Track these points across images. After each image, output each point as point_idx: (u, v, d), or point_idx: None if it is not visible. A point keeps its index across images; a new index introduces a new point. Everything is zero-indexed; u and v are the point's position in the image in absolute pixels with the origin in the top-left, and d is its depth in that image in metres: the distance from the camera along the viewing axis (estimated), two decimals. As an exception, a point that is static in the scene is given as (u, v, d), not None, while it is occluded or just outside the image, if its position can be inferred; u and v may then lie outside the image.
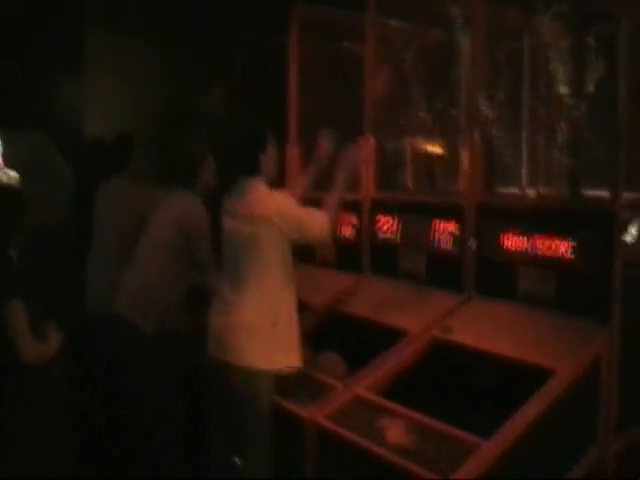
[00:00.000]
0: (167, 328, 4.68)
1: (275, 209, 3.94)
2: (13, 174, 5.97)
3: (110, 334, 4.90)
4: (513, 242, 4.18)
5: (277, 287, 3.99)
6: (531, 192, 6.02)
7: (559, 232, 3.94)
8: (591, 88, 5.59)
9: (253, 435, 3.93)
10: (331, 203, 4.21)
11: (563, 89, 5.98)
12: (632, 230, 4.51)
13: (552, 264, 3.97)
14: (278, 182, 4.35)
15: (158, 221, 4.86)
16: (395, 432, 3.51)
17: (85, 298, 5.56)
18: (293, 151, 5.85)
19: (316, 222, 4.06)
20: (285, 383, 4.02)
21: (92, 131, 6.50)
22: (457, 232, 4.51)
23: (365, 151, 4.50)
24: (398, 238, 4.93)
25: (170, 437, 4.70)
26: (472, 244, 4.38)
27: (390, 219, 4.98)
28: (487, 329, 4.04)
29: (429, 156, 6.80)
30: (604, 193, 4.07)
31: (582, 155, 5.53)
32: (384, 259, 5.01)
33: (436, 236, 4.65)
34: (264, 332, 3.92)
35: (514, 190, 6.04)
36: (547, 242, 4.00)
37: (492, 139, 6.24)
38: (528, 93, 6.12)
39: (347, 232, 5.33)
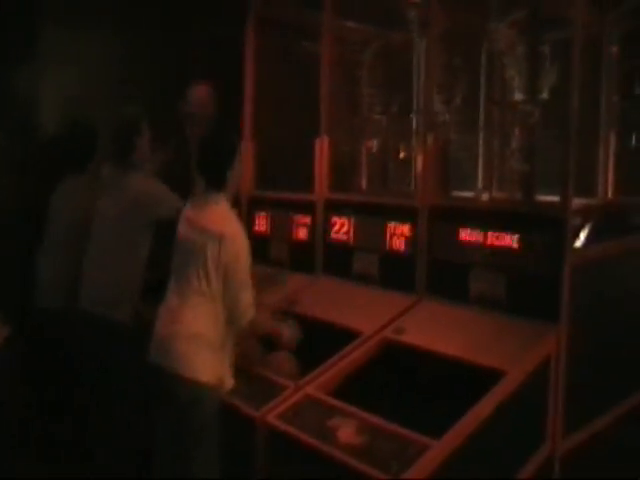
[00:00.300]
0: (144, 316, 4.59)
1: (229, 234, 3.87)
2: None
3: (74, 328, 4.85)
4: (465, 244, 4.22)
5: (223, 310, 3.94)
6: (485, 196, 6.09)
7: (511, 235, 3.99)
8: (545, 94, 5.67)
9: (197, 446, 3.88)
10: (264, 325, 4.24)
11: (518, 95, 6.06)
12: (582, 235, 4.60)
13: (503, 266, 4.02)
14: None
15: (107, 208, 4.81)
16: (346, 432, 3.51)
17: (35, 292, 5.50)
18: (247, 147, 5.83)
19: (250, 300, 3.95)
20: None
21: (46, 124, 6.42)
22: (410, 234, 4.54)
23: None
24: (351, 239, 4.94)
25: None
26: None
27: (344, 220, 4.99)
28: (439, 330, 4.07)
29: (383, 158, 6.84)
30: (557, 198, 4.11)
31: (537, 160, 5.61)
32: (337, 260, 5.03)
33: (389, 238, 4.67)
34: (214, 346, 3.89)
35: (469, 194, 6.11)
36: (498, 245, 4.04)
37: (448, 143, 6.30)
38: (484, 98, 6.19)
39: (301, 233, 5.32)
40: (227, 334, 3.96)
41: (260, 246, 5.41)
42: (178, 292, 4.00)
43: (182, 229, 4.11)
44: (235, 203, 4.19)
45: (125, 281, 4.72)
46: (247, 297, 3.93)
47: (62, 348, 5.09)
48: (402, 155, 6.75)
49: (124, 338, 4.61)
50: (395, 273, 4.64)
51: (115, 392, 4.62)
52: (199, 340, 3.86)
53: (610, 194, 5.80)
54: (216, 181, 4.02)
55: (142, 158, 4.88)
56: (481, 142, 6.20)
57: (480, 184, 6.20)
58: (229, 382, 3.98)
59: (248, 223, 5.65)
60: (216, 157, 4.08)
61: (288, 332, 4.28)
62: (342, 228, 4.99)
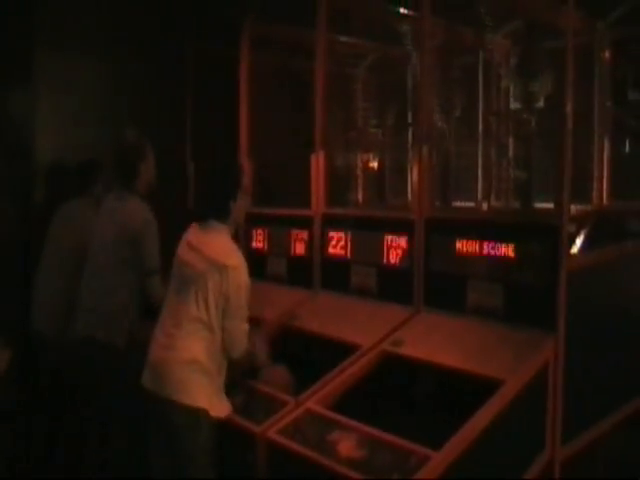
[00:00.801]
0: (137, 339, 4.61)
1: (231, 266, 3.88)
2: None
3: (74, 354, 4.88)
4: (462, 255, 4.24)
5: (220, 337, 3.93)
6: (485, 205, 6.13)
7: (506, 245, 4.00)
8: (541, 103, 5.70)
9: (193, 472, 3.87)
10: (253, 359, 4.24)
11: (514, 104, 6.10)
12: (578, 242, 4.61)
13: (499, 276, 4.04)
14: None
15: (104, 232, 4.83)
16: (347, 445, 3.52)
17: (33, 317, 5.51)
18: (244, 163, 5.86)
19: (244, 331, 4.00)
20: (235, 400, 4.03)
21: (42, 149, 6.46)
22: (407, 246, 4.56)
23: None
24: (349, 253, 4.96)
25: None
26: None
27: (341, 235, 5.01)
28: (437, 342, 4.08)
29: (379, 171, 6.87)
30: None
31: (535, 169, 5.64)
32: (335, 274, 5.04)
33: (386, 251, 4.69)
34: (209, 373, 3.88)
35: (470, 204, 6.14)
36: (495, 255, 4.06)
37: (448, 154, 6.34)
38: (482, 109, 6.23)
39: (298, 248, 5.34)
40: (223, 361, 3.97)
41: (258, 262, 5.44)
42: (174, 316, 3.99)
43: (183, 253, 4.10)
44: (235, 236, 4.21)
45: (119, 305, 4.73)
46: (244, 328, 3.98)
47: (58, 372, 5.13)
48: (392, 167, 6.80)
49: (118, 362, 4.63)
50: (393, 286, 4.65)
51: (109, 416, 4.65)
52: (194, 366, 3.86)
53: (605, 200, 5.82)
54: (220, 212, 4.04)
55: (146, 184, 4.90)
56: (480, 152, 6.24)
57: (480, 194, 6.24)
58: (226, 408, 3.97)
59: (246, 239, 5.67)
60: (220, 188, 4.11)
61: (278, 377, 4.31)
62: (339, 242, 5.00)
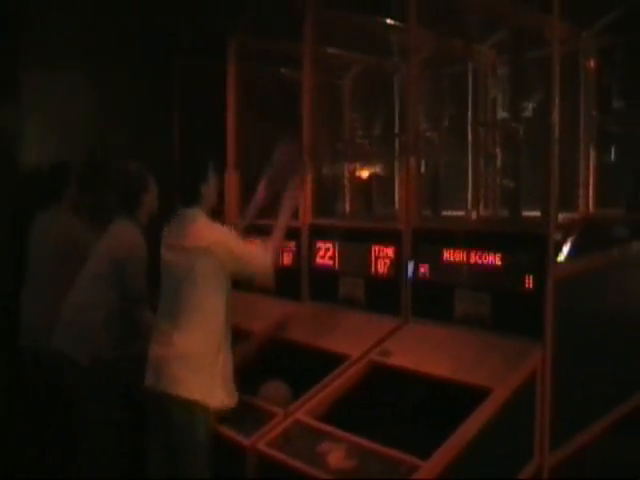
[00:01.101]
0: (103, 358, 4.63)
1: (214, 241, 3.93)
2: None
3: (46, 366, 4.88)
4: (449, 265, 4.25)
5: (216, 321, 3.97)
6: (474, 214, 6.14)
7: (493, 253, 4.01)
8: (529, 113, 5.73)
9: (190, 467, 3.89)
10: (275, 237, 4.25)
11: (502, 114, 6.12)
12: (564, 250, 4.63)
13: (487, 285, 4.05)
14: (217, 207, 4.35)
15: (95, 251, 4.84)
16: (336, 456, 3.52)
17: (18, 330, 5.50)
18: (232, 176, 5.88)
19: (257, 255, 4.09)
20: (224, 412, 4.01)
21: (27, 161, 6.46)
22: (395, 257, 4.57)
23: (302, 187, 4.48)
24: (337, 264, 4.97)
25: (108, 467, 4.65)
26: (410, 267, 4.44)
27: (329, 245, 5.02)
28: (425, 351, 4.09)
29: (367, 181, 6.88)
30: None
31: (523, 177, 5.66)
32: (323, 285, 5.05)
33: (374, 261, 4.70)
34: (204, 365, 3.90)
35: (460, 213, 6.15)
36: (482, 264, 4.07)
37: (438, 164, 6.36)
38: (471, 118, 6.26)
39: (286, 259, 5.34)
40: (219, 351, 3.97)
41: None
42: (169, 315, 4.02)
43: (165, 254, 4.14)
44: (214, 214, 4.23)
45: (92, 322, 4.72)
46: (252, 255, 4.10)
47: (45, 386, 5.12)
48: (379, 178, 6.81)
49: (83, 378, 4.64)
50: (381, 296, 4.66)
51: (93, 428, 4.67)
52: (190, 360, 3.88)
53: (591, 208, 5.84)
54: (191, 197, 4.08)
55: (148, 214, 4.90)
56: (470, 162, 6.26)
57: (469, 203, 6.25)
58: (229, 400, 3.99)
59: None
60: (189, 172, 4.18)
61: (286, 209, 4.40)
62: (327, 253, 5.01)
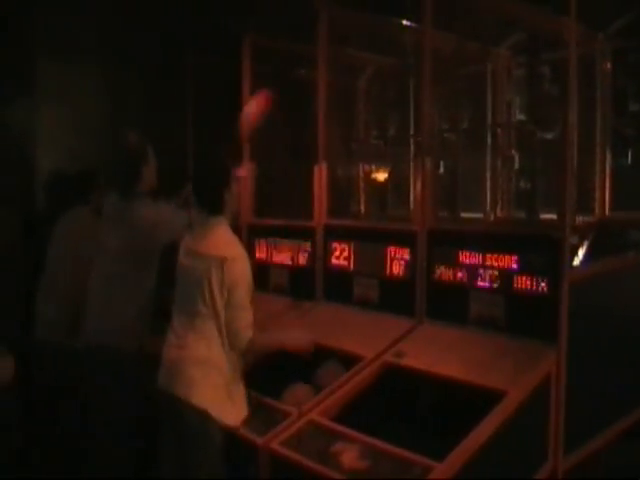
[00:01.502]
0: (144, 344, 4.59)
1: (231, 257, 3.86)
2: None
3: (66, 364, 4.89)
4: (464, 266, 4.25)
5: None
6: (493, 216, 6.15)
7: (508, 255, 4.01)
8: (548, 114, 5.73)
9: (203, 472, 3.86)
10: (264, 340, 4.09)
11: (521, 116, 6.13)
12: (580, 253, 4.62)
13: (502, 287, 4.05)
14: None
15: (120, 237, 4.69)
16: (349, 456, 3.52)
17: (36, 327, 5.51)
18: (248, 167, 5.85)
19: (247, 325, 3.91)
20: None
21: (44, 161, 6.48)
22: (409, 258, 4.57)
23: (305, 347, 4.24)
24: (351, 264, 4.97)
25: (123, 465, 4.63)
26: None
27: (344, 246, 5.02)
28: (439, 353, 4.08)
29: (381, 182, 6.89)
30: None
31: (541, 179, 5.66)
32: (337, 285, 5.05)
33: (389, 262, 4.70)
34: (220, 375, 3.87)
35: (479, 214, 6.16)
36: (497, 265, 4.07)
37: (456, 165, 6.36)
38: (489, 120, 6.26)
39: (301, 259, 5.35)
40: (237, 365, 3.95)
41: (260, 273, 5.44)
42: (184, 319, 4.00)
43: (182, 259, 4.12)
44: (235, 229, 4.18)
45: (130, 313, 4.71)
46: (245, 317, 3.90)
47: (64, 382, 5.11)
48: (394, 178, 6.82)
49: (128, 370, 4.60)
50: (395, 297, 4.66)
51: (118, 424, 4.61)
52: (207, 365, 3.86)
53: (607, 211, 5.83)
54: (214, 204, 4.03)
55: (148, 188, 4.78)
56: (488, 163, 6.27)
57: (488, 205, 6.26)
58: (239, 415, 3.95)
59: (248, 250, 5.64)
60: (211, 179, 4.11)
61: (295, 336, 4.23)
62: (342, 254, 5.01)
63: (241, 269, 3.91)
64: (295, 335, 4.24)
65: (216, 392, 3.86)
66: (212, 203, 4.04)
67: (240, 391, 3.98)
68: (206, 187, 4.12)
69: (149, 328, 4.70)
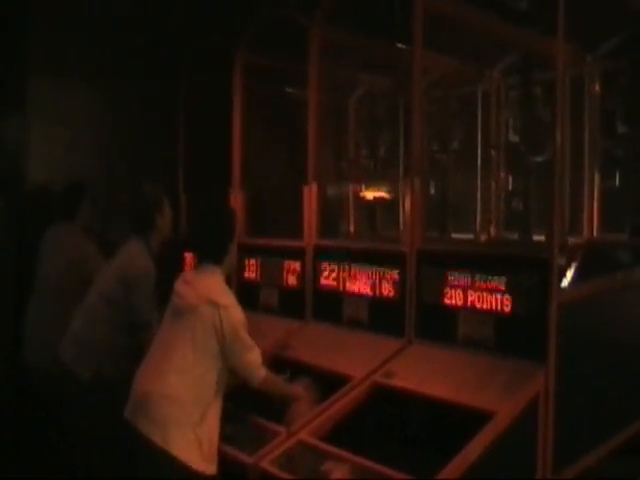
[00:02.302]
0: (103, 375, 4.64)
1: (223, 305, 3.84)
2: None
3: (47, 381, 4.91)
4: (453, 287, 4.26)
5: (206, 378, 3.82)
6: (484, 236, 6.17)
7: (497, 276, 4.03)
8: (540, 136, 5.76)
9: None
10: (278, 384, 4.12)
11: (514, 137, 6.16)
12: (568, 274, 4.64)
13: (490, 308, 4.06)
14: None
15: (105, 271, 4.86)
16: (339, 476, 3.53)
17: (23, 346, 5.51)
18: (237, 196, 5.88)
19: (256, 357, 3.94)
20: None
21: (35, 177, 6.48)
22: (399, 279, 4.58)
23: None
24: (341, 285, 4.98)
25: None
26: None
27: (333, 266, 5.04)
28: (428, 373, 4.09)
29: (371, 202, 6.90)
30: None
31: (535, 200, 5.69)
32: (327, 305, 5.06)
33: (378, 282, 4.71)
34: (187, 417, 3.74)
35: (469, 235, 6.18)
36: (485, 286, 4.09)
37: (447, 185, 6.39)
38: (481, 141, 6.29)
39: (290, 279, 5.36)
40: (212, 406, 3.84)
41: (250, 292, 5.47)
42: (164, 349, 3.92)
43: (179, 288, 4.05)
44: (227, 280, 4.20)
45: (90, 337, 4.74)
46: (254, 357, 3.91)
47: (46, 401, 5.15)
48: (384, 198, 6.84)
49: (83, 394, 4.65)
50: (385, 318, 4.67)
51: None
52: (176, 407, 3.74)
53: (595, 232, 5.85)
54: (215, 254, 4.03)
55: (162, 239, 4.89)
56: (479, 184, 6.29)
57: (478, 225, 6.28)
58: (209, 468, 3.79)
59: (238, 270, 5.68)
60: (218, 230, 4.11)
61: (306, 395, 4.17)
62: (331, 274, 5.02)
63: (237, 316, 3.88)
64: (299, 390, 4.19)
65: (180, 437, 3.72)
66: (214, 253, 4.05)
67: (210, 435, 3.82)
68: (212, 237, 4.10)
69: (116, 359, 4.72)
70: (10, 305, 6.11)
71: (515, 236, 6.06)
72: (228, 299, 3.92)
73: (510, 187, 6.31)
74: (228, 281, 4.20)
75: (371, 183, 7.05)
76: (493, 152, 6.36)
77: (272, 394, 4.10)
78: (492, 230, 6.31)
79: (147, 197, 4.87)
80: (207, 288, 3.92)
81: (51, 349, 4.90)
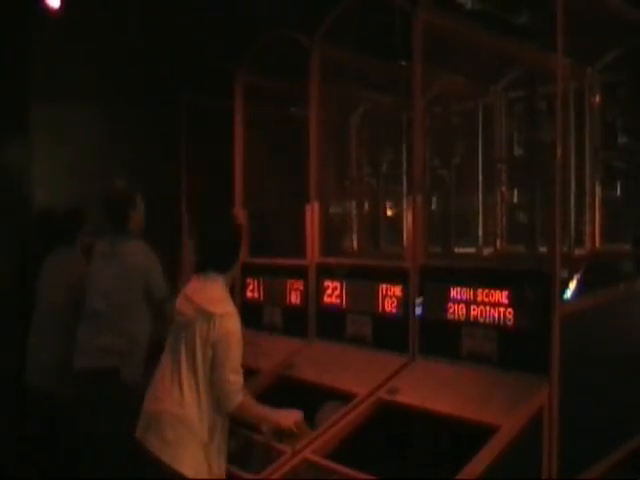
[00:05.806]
0: (125, 379, 4.73)
1: (220, 314, 3.85)
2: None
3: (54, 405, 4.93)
4: (456, 302, 4.26)
5: (211, 393, 3.85)
6: (488, 250, 6.16)
7: (499, 291, 4.03)
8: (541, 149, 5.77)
9: None
10: (254, 411, 4.02)
11: (518, 150, 6.17)
12: (571, 286, 4.64)
13: (494, 322, 4.06)
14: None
15: (112, 272, 4.90)
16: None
17: (27, 369, 5.52)
18: (239, 214, 5.88)
19: (235, 384, 3.86)
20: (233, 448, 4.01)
21: (39, 198, 6.51)
22: (402, 295, 4.59)
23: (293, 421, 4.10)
24: (344, 302, 4.98)
25: None
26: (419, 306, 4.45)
27: (336, 284, 5.04)
28: (432, 389, 4.09)
29: (374, 219, 6.91)
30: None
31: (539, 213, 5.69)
32: (331, 323, 5.06)
33: (381, 299, 4.72)
34: (196, 436, 3.78)
35: (472, 249, 6.18)
36: (488, 301, 4.09)
37: (449, 200, 6.40)
38: (482, 156, 6.30)
39: (294, 297, 5.36)
40: (218, 420, 3.88)
41: (253, 311, 5.47)
42: (171, 368, 3.94)
43: (179, 304, 4.10)
44: (231, 289, 4.24)
45: (124, 347, 4.76)
46: (235, 380, 3.85)
47: (52, 425, 5.15)
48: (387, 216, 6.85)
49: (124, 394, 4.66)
50: (388, 334, 4.67)
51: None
52: (184, 426, 3.78)
53: (597, 243, 5.85)
54: (221, 264, 4.07)
55: (137, 226, 5.03)
56: (480, 198, 6.30)
57: (481, 240, 6.28)
58: (220, 474, 3.87)
59: (241, 289, 5.69)
60: (226, 238, 4.15)
61: (286, 420, 4.05)
62: (334, 292, 5.02)
63: (230, 328, 3.87)
64: (283, 412, 4.10)
65: (189, 456, 3.76)
66: (220, 262, 4.08)
67: (219, 452, 3.88)
68: (220, 248, 4.14)
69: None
70: (13, 328, 6.11)
71: (521, 249, 6.07)
72: (225, 308, 3.93)
73: (515, 200, 6.32)
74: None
75: (374, 200, 7.07)
76: (499, 166, 6.37)
77: (245, 420, 4.07)
78: (498, 243, 6.31)
79: (120, 193, 5.03)
80: (206, 299, 3.94)
81: (52, 372, 4.93)
